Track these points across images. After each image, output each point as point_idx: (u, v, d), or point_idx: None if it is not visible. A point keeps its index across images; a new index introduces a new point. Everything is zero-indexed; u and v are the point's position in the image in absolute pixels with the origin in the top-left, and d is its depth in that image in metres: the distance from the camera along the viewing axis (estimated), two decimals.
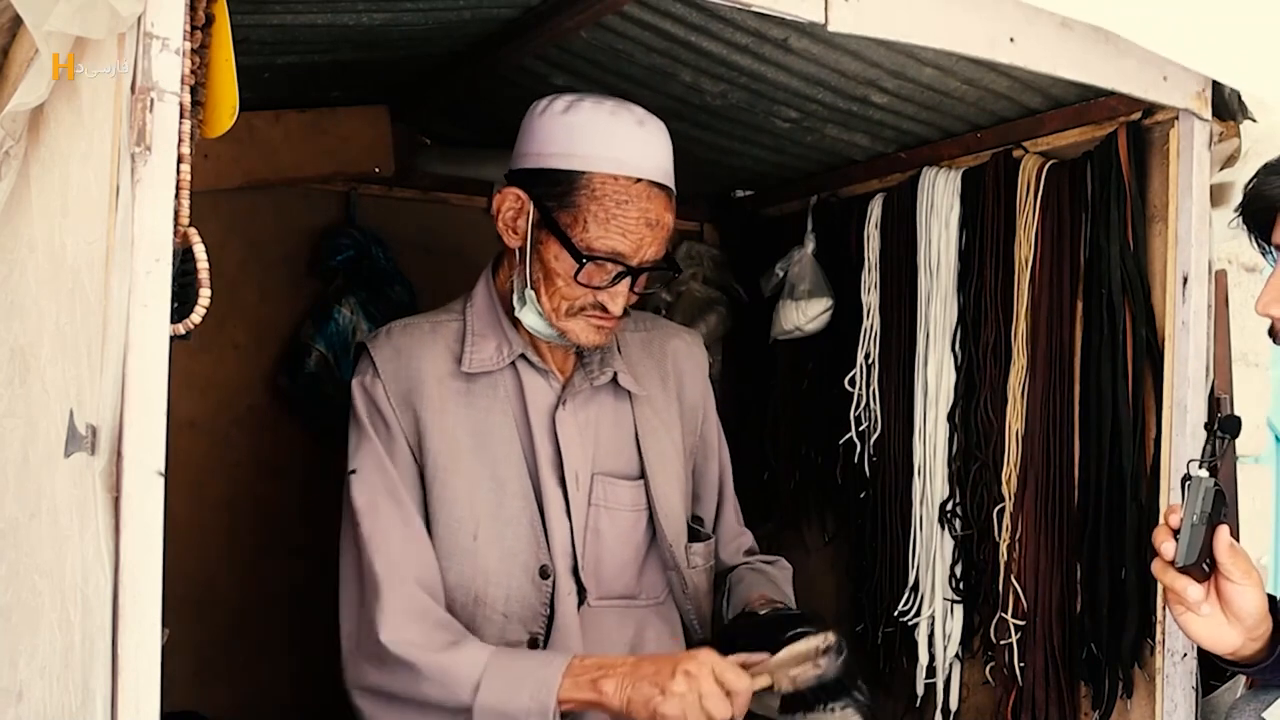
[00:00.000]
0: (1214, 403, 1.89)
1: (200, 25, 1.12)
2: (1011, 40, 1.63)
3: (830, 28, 1.49)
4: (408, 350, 1.72)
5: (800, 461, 2.64)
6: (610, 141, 1.62)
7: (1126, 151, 1.90)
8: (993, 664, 2.14)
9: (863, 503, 2.43)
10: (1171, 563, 1.36)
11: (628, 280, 1.66)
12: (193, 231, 1.12)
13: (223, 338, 2.43)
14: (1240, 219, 1.51)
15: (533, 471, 1.71)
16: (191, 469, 2.33)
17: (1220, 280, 2.00)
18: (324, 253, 2.48)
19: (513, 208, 1.67)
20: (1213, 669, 1.79)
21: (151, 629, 1.04)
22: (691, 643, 1.85)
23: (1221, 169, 1.93)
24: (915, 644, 2.28)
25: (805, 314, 2.49)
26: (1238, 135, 1.91)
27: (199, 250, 1.12)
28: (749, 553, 2.00)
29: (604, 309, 1.66)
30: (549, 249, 1.64)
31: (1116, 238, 1.91)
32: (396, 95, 2.42)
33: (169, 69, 1.06)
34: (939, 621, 2.23)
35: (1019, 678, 2.07)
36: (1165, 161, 1.88)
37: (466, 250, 2.58)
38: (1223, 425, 1.38)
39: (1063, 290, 2.01)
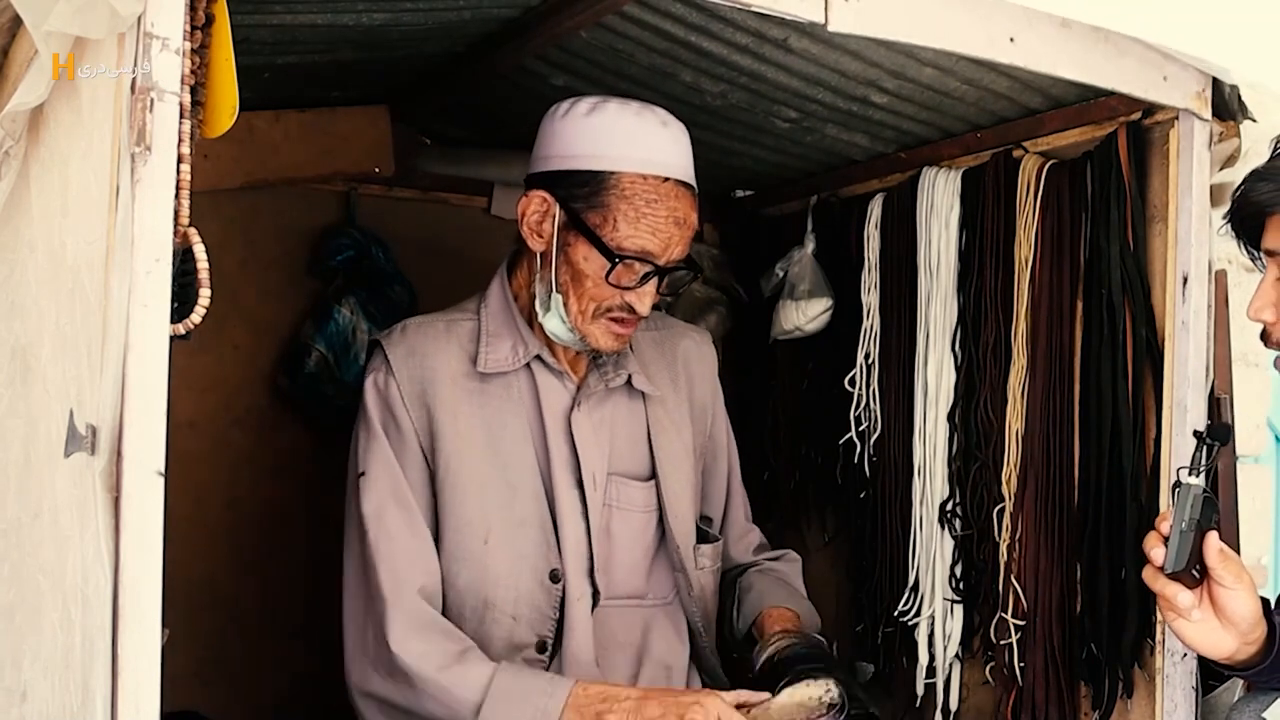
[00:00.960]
0: (1214, 403, 1.89)
1: (200, 25, 1.12)
2: (1011, 40, 1.63)
3: (830, 28, 1.49)
4: (422, 349, 1.71)
5: (800, 461, 2.64)
6: (638, 142, 1.62)
7: (1126, 151, 1.90)
8: (993, 664, 2.14)
9: (863, 503, 2.43)
10: (1161, 569, 1.37)
11: (655, 280, 1.66)
12: (193, 231, 1.12)
13: (223, 338, 2.42)
14: (1229, 225, 1.51)
15: (545, 474, 1.71)
16: (191, 469, 2.32)
17: (1220, 280, 1.99)
18: (324, 253, 2.48)
19: (538, 211, 1.66)
20: (1211, 670, 1.79)
21: (151, 629, 1.04)
22: (696, 644, 1.85)
23: (1221, 169, 1.93)
24: (915, 644, 2.28)
25: (805, 314, 2.49)
26: (1238, 135, 1.91)
27: (199, 250, 1.12)
28: (758, 550, 2.00)
29: (631, 310, 1.65)
30: (577, 250, 1.63)
31: (1116, 238, 1.91)
32: (396, 95, 2.42)
33: (169, 69, 1.06)
34: (939, 621, 2.23)
35: (1019, 678, 2.07)
36: (1165, 161, 1.88)
37: (466, 250, 2.58)
38: (1211, 433, 1.39)
39: (1063, 290, 2.01)
